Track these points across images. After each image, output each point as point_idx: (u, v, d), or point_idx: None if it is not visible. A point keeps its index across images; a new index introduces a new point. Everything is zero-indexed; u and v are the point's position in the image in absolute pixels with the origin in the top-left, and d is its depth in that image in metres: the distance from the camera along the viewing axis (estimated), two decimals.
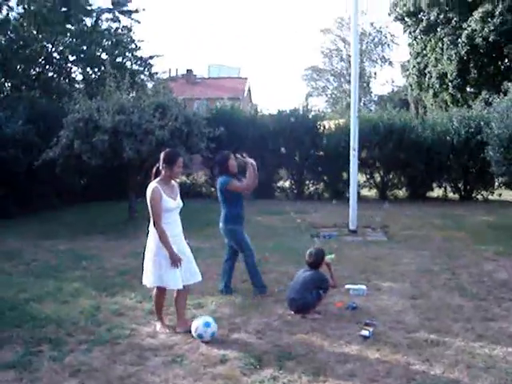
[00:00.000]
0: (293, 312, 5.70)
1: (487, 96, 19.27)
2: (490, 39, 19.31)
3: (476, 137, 14.95)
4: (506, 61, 20.30)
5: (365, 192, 17.34)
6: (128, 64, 15.85)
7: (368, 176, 17.30)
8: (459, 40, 20.45)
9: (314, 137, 16.81)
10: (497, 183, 16.01)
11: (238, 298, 6.30)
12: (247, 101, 36.42)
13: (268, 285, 6.61)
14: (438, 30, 21.93)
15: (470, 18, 20.12)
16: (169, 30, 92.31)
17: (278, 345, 4.83)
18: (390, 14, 24.01)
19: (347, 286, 6.54)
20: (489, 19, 19.29)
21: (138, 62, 15.84)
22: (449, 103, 22.75)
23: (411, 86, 25.28)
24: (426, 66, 23.40)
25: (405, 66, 29.58)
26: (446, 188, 17.16)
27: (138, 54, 15.91)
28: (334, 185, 16.98)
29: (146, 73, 16.00)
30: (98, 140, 9.97)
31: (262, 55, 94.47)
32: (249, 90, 39.40)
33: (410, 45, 24.83)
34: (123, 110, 10.45)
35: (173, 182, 5.23)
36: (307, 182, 17.49)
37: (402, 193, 17.55)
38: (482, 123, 14.52)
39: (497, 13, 19.25)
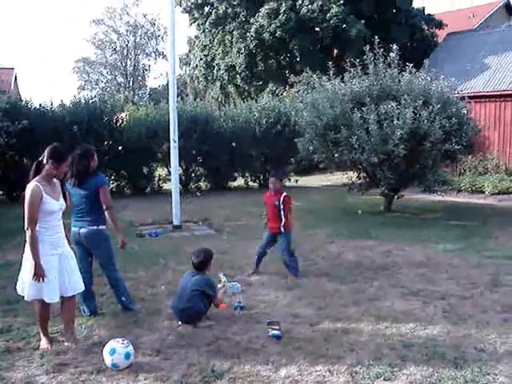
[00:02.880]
0: (180, 323, 5.04)
1: (274, 88, 20.30)
2: (277, 34, 20.32)
3: (276, 126, 15.57)
4: (289, 56, 21.60)
5: (166, 186, 16.88)
6: None
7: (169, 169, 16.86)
8: (248, 34, 21.11)
9: (113, 130, 15.75)
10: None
11: (107, 317, 5.35)
12: (15, 93, 32.84)
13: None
14: (227, 23, 22.38)
15: (257, 14, 20.91)
16: None
17: (191, 363, 4.15)
18: (175, 5, 23.71)
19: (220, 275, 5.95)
20: (275, 16, 20.29)
21: None
22: (233, 95, 23.46)
23: (198, 78, 25.47)
24: (213, 59, 23.74)
25: (183, 59, 29.72)
26: (247, 177, 17.61)
27: None
28: (136, 180, 16.21)
29: None
30: None
31: (28, 45, 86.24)
32: (16, 82, 35.61)
33: (196, 37, 24.90)
34: None
35: (54, 180, 4.43)
36: (107, 179, 16.33)
37: (204, 185, 17.54)
38: (281, 114, 15.18)
39: (282, 10, 20.33)
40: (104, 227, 5.32)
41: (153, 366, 4.12)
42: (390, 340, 4.55)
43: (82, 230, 5.25)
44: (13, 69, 33.15)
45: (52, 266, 4.34)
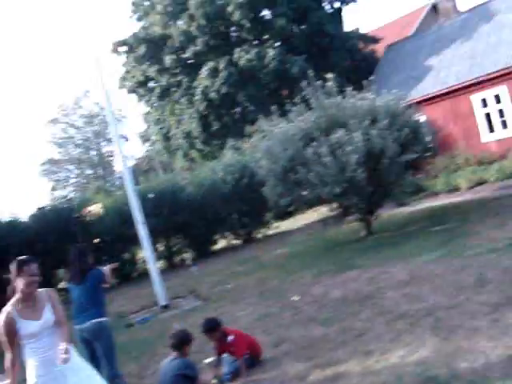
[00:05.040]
0: None
1: (234, 143, 20.48)
2: (223, 91, 20.63)
3: (242, 180, 15.62)
4: (240, 109, 21.88)
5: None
6: None
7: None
8: (195, 98, 21.41)
9: (84, 226, 15.67)
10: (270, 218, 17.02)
11: None
12: None
13: None
14: (172, 93, 22.71)
15: (199, 76, 21.25)
16: None
17: None
18: (120, 88, 24.08)
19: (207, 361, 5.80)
20: (216, 74, 20.65)
21: None
22: (198, 160, 23.60)
23: (159, 152, 25.66)
24: (169, 130, 23.98)
25: (144, 136, 30.01)
26: (228, 237, 17.55)
27: None
28: (118, 269, 16.00)
29: None
30: None
31: None
32: None
33: (148, 113, 25.21)
34: None
35: (35, 294, 4.12)
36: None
37: (188, 255, 17.39)
38: (245, 167, 15.25)
39: (221, 67, 20.72)
40: (106, 319, 5.41)
41: None
42: (381, 376, 4.40)
43: (86, 325, 5.28)
44: None
45: None
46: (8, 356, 3.97)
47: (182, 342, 5.09)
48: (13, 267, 4.09)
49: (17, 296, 4.09)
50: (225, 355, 5.64)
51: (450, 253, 8.15)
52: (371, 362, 4.75)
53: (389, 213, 13.40)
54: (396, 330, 5.40)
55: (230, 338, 5.46)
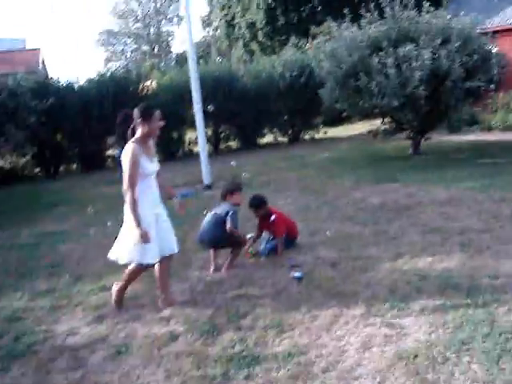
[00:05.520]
0: (211, 270, 5.39)
1: (296, 41, 20.13)
2: None
3: (300, 80, 15.57)
4: (311, 6, 21.24)
5: (196, 148, 17.16)
6: None
7: None
8: None
9: (140, 99, 16.06)
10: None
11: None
12: (43, 73, 33.41)
13: None
14: None
15: None
16: None
17: (218, 307, 4.49)
18: None
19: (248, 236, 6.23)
20: None
21: None
22: (257, 52, 23.33)
23: (220, 38, 25.43)
24: (233, 18, 23.59)
25: (206, 21, 29.57)
26: (275, 133, 17.77)
27: None
28: (165, 146, 16.56)
29: None
30: None
31: (50, 23, 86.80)
32: (43, 62, 36.20)
33: None
34: None
35: (150, 141, 4.50)
36: None
37: (234, 144, 17.79)
38: (305, 66, 15.14)
39: None
40: None
41: (183, 312, 4.46)
42: (406, 275, 4.75)
43: None
44: (39, 50, 33.60)
45: (152, 227, 4.35)
46: (136, 189, 4.25)
47: (227, 191, 5.53)
48: (141, 111, 4.37)
49: (136, 137, 4.37)
50: (264, 233, 6.12)
51: (493, 184, 8.27)
52: (400, 262, 5.12)
53: (440, 138, 13.36)
54: (428, 241, 5.71)
55: (273, 217, 5.89)
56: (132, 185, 4.22)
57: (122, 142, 5.70)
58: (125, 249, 4.40)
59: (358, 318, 4.01)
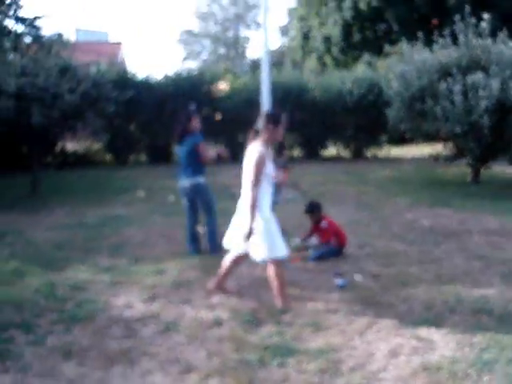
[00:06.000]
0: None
1: (369, 58, 20.30)
2: (373, 4, 20.23)
3: (368, 97, 15.76)
4: (385, 26, 21.41)
5: None
6: (10, 25, 14.40)
7: None
8: (343, 4, 21.17)
9: (212, 100, 16.72)
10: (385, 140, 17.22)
11: (198, 259, 6.19)
12: (123, 66, 34.83)
13: None
14: None
15: None
16: None
17: (262, 301, 4.85)
18: None
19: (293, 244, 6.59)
20: None
21: (21, 24, 14.45)
22: (330, 66, 23.62)
23: (295, 49, 25.88)
24: (310, 30, 24.00)
25: (283, 30, 30.07)
26: (338, 146, 17.99)
27: (21, 14, 14.54)
28: (232, 148, 17.09)
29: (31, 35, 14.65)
30: (2, 106, 9.04)
31: (132, 19, 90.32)
32: (123, 56, 37.76)
33: (294, 9, 25.26)
34: (25, 73, 9.57)
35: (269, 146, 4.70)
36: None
37: (297, 152, 18.12)
38: (374, 84, 15.33)
39: None
40: (200, 180, 6.31)
41: (228, 303, 4.86)
42: (444, 295, 4.95)
43: (187, 183, 6.31)
44: (120, 44, 35.07)
45: (272, 221, 4.63)
46: (257, 189, 4.50)
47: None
48: (271, 117, 4.63)
49: (261, 140, 4.58)
50: (313, 238, 6.48)
51: None
52: (439, 283, 5.31)
53: (502, 169, 13.23)
54: (471, 266, 5.87)
55: (324, 223, 6.29)
56: (256, 184, 4.45)
57: (179, 138, 6.32)
58: (257, 248, 4.60)
59: (391, 328, 4.28)
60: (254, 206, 4.46)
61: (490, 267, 5.84)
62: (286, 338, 4.12)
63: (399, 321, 4.40)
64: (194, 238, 6.52)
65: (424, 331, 4.21)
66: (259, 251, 4.60)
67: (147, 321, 4.51)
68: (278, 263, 4.66)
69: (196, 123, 6.35)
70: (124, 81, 15.48)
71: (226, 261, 5.01)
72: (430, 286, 5.24)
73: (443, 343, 4.01)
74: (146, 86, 16.16)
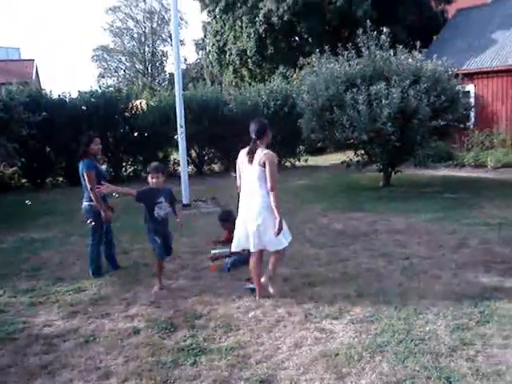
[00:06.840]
0: None
1: (284, 70, 21.01)
2: (285, 18, 20.98)
3: (283, 108, 16.34)
4: (298, 38, 22.25)
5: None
6: None
7: None
8: (257, 18, 21.81)
9: (128, 117, 16.74)
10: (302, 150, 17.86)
11: (114, 277, 6.34)
12: (36, 84, 33.99)
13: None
14: (237, 9, 23.08)
15: None
16: None
17: (178, 309, 5.10)
18: None
19: (213, 251, 6.90)
20: (282, 0, 20.94)
21: None
22: (247, 78, 24.22)
23: (211, 63, 26.32)
24: (225, 44, 24.51)
25: (199, 44, 30.46)
26: None
27: None
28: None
29: None
30: None
31: (46, 35, 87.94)
32: (37, 73, 36.83)
33: (208, 23, 25.69)
34: None
35: None
36: (124, 164, 17.32)
37: (217, 167, 18.45)
38: (288, 96, 15.93)
39: None
40: (90, 203, 6.35)
41: (146, 313, 5.08)
42: (346, 290, 5.40)
43: (83, 205, 6.44)
44: (33, 60, 34.19)
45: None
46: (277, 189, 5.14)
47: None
48: (259, 130, 5.33)
49: (264, 144, 5.33)
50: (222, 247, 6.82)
51: (449, 217, 8.95)
52: (343, 280, 5.76)
53: (413, 172, 14.12)
54: (374, 263, 6.38)
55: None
56: (276, 183, 5.10)
57: (81, 159, 6.32)
58: (274, 240, 5.18)
59: (296, 324, 4.65)
60: (278, 202, 5.09)
61: (392, 263, 6.36)
62: (199, 339, 4.40)
63: (305, 317, 4.78)
64: (102, 258, 6.53)
65: (327, 324, 4.61)
66: (276, 242, 5.20)
67: (67, 336, 4.65)
68: (282, 252, 5.36)
69: (96, 147, 6.37)
70: (37, 101, 15.20)
71: (253, 264, 5.37)
72: (335, 283, 5.67)
73: (343, 333, 4.42)
74: (60, 106, 15.88)
